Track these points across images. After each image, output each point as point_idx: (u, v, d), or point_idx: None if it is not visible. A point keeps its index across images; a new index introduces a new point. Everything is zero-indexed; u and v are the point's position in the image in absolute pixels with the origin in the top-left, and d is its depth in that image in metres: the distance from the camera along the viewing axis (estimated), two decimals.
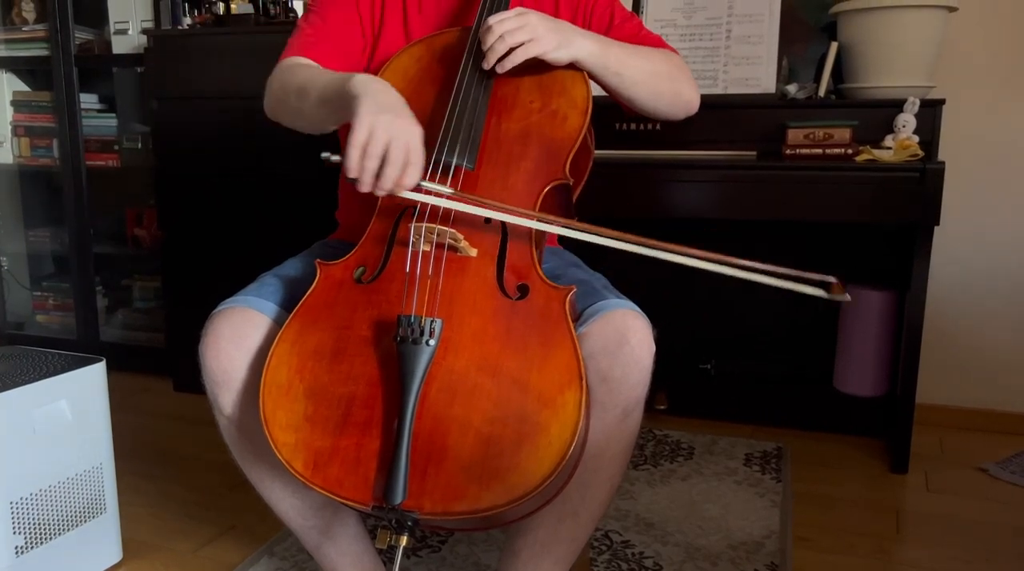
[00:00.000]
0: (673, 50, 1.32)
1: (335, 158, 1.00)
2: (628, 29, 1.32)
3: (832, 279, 0.99)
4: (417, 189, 1.02)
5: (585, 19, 1.32)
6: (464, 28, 1.24)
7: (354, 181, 0.99)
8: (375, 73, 1.24)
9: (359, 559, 1.27)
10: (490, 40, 1.11)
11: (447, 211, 1.07)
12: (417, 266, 1.04)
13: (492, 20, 1.11)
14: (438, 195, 1.04)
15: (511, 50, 1.10)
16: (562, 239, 1.39)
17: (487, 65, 1.12)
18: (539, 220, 1.07)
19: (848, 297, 1.00)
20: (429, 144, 1.12)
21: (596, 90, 1.18)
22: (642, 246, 1.01)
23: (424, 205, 1.07)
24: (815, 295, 0.99)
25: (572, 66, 1.17)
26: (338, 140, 1.39)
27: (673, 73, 1.27)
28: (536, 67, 1.16)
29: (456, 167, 1.09)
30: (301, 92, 1.14)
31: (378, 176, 0.97)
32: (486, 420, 0.95)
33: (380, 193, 0.99)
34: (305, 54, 1.24)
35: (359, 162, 0.97)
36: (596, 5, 1.33)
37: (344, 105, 1.03)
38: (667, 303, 1.44)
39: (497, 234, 1.08)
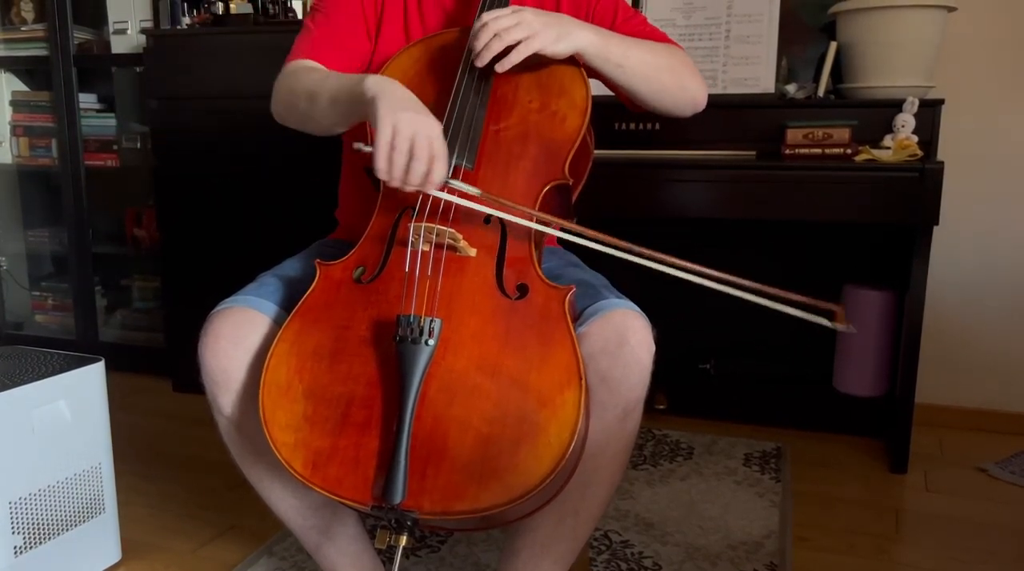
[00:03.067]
0: (678, 46, 1.31)
1: (367, 148, 1.00)
2: (632, 26, 1.31)
3: (835, 308, 1.00)
4: (445, 187, 1.03)
5: (588, 17, 1.31)
6: (463, 28, 1.23)
7: (375, 180, 1.00)
8: (375, 73, 1.24)
9: (358, 559, 1.27)
10: (484, 38, 1.09)
11: (446, 210, 1.07)
12: (416, 266, 1.04)
13: (487, 17, 1.10)
14: (464, 196, 1.05)
15: (508, 48, 1.09)
16: (561, 239, 1.39)
17: (480, 63, 1.11)
18: (561, 228, 1.07)
19: (854, 329, 0.99)
20: None
21: (596, 89, 1.18)
22: (652, 261, 1.02)
23: (424, 203, 1.08)
24: (818, 323, 0.99)
25: (572, 61, 1.17)
26: (342, 143, 1.39)
27: (677, 67, 1.26)
28: (535, 65, 1.15)
29: (455, 167, 1.09)
30: (311, 96, 1.14)
31: (408, 171, 0.99)
32: (485, 420, 0.95)
33: (409, 188, 1.00)
34: (311, 57, 1.24)
35: (388, 159, 0.98)
36: (599, 3, 1.32)
37: (358, 107, 1.05)
38: (667, 303, 1.43)
39: (496, 234, 1.08)
